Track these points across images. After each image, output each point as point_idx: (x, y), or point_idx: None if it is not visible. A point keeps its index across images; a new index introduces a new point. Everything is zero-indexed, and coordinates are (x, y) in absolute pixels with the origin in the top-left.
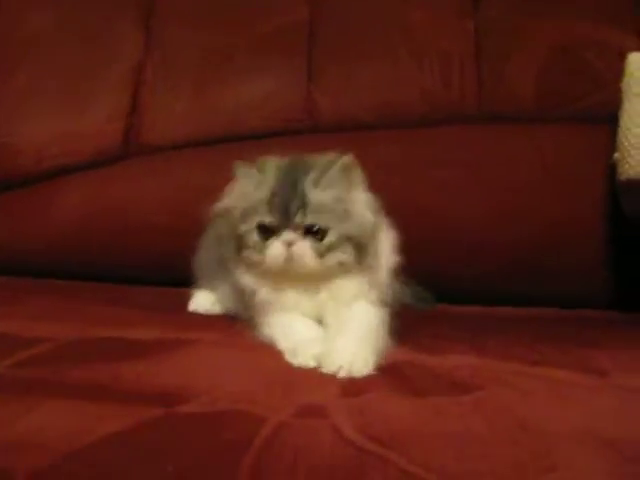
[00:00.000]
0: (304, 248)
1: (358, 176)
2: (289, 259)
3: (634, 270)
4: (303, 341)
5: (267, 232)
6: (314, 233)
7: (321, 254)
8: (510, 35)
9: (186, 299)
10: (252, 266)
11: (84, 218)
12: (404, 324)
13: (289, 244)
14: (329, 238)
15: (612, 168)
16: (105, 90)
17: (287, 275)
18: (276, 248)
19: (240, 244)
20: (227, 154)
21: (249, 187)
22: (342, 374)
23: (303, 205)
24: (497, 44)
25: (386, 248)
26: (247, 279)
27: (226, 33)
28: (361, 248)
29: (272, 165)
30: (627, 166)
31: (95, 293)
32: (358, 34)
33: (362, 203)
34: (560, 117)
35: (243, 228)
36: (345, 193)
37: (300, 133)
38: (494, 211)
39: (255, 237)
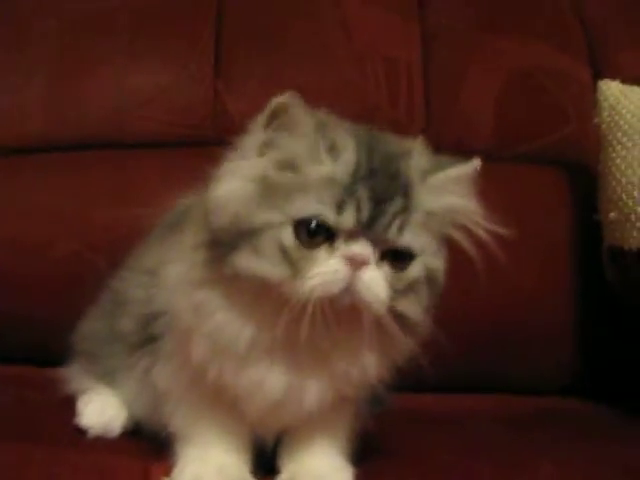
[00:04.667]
0: (377, 279)
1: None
2: (350, 291)
3: (609, 346)
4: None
5: (314, 236)
6: (396, 259)
7: (397, 293)
8: (464, 50)
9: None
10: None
11: None
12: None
13: (357, 265)
14: (413, 270)
15: (596, 226)
16: None
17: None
18: (334, 267)
19: (232, 245)
20: (98, 165)
21: (299, 146)
22: None
23: (406, 210)
24: (449, 58)
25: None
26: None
27: None
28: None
29: (345, 128)
30: (636, 233)
31: None
32: (282, 20)
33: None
34: (520, 154)
35: (260, 218)
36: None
37: (202, 144)
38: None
39: (289, 239)
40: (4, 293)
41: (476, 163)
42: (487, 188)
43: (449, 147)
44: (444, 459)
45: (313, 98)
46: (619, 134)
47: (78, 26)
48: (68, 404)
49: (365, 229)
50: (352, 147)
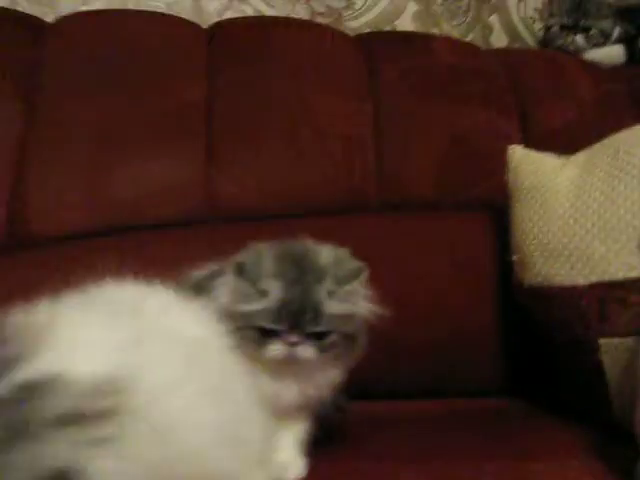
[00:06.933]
0: (308, 349)
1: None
2: (291, 356)
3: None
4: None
5: (268, 332)
6: (318, 334)
7: (322, 350)
8: (409, 121)
9: None
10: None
11: None
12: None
13: (292, 345)
14: (331, 337)
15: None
16: None
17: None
18: (277, 349)
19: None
20: (128, 246)
21: (241, 297)
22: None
23: (316, 316)
24: (397, 130)
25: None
26: None
27: (121, 110)
28: (354, 340)
29: (272, 271)
30: (530, 274)
31: None
32: (259, 115)
33: (366, 304)
34: (457, 203)
35: (239, 323)
36: (359, 301)
37: (203, 222)
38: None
39: (253, 334)
40: None
41: (364, 274)
42: (429, 231)
43: (400, 202)
44: (381, 451)
45: (286, 174)
46: (518, 192)
47: (105, 133)
48: None
49: (293, 329)
50: (275, 289)
